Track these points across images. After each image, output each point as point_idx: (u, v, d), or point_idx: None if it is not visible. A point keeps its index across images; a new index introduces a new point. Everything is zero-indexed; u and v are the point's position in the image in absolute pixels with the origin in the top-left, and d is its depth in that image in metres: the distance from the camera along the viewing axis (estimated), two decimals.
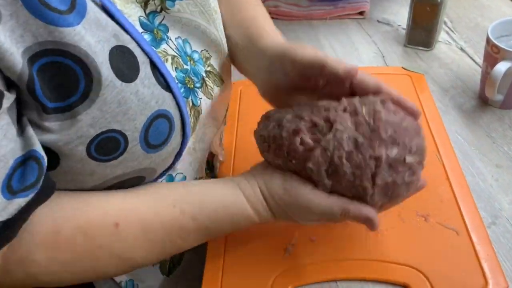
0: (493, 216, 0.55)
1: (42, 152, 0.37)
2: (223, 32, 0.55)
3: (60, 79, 0.36)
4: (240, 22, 0.56)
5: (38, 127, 0.38)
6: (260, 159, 0.51)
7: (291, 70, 0.46)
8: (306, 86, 0.46)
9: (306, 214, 0.45)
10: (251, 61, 0.54)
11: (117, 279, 0.52)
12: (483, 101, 0.71)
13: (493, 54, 0.65)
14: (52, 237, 0.40)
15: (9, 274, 0.40)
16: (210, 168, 0.66)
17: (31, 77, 0.35)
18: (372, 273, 0.49)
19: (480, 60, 0.77)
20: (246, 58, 0.55)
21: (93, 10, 0.38)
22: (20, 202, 0.36)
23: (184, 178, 0.55)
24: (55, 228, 0.40)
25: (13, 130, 0.36)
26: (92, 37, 0.37)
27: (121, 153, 0.41)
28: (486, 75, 0.67)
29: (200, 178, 0.59)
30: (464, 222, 0.53)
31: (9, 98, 0.35)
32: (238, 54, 0.56)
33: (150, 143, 0.43)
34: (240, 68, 0.58)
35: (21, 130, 0.37)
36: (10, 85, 0.35)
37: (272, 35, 0.53)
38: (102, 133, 0.39)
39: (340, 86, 0.45)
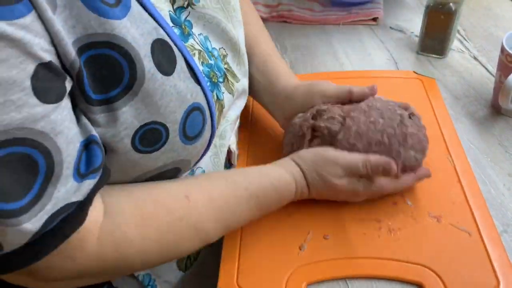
0: (504, 225, 0.55)
1: (98, 138, 0.39)
2: (241, 31, 0.56)
3: (105, 71, 0.37)
4: (256, 56, 0.65)
5: (87, 120, 0.39)
6: (272, 158, 0.54)
7: (317, 102, 0.58)
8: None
9: (333, 168, 0.52)
10: (268, 98, 0.64)
11: (135, 273, 0.52)
12: (496, 110, 0.71)
13: (507, 63, 0.65)
14: (138, 213, 0.42)
15: (101, 257, 0.40)
16: (227, 167, 0.67)
17: (80, 67, 0.36)
18: (386, 271, 0.50)
19: (493, 69, 0.77)
20: (263, 95, 0.65)
21: (135, 4, 0.39)
22: (90, 183, 0.38)
23: (203, 172, 0.56)
24: (138, 205, 0.43)
25: (73, 116, 0.37)
26: (136, 30, 0.38)
27: (163, 145, 0.43)
28: (500, 84, 0.67)
29: None
30: (476, 224, 0.53)
31: (70, 82, 0.36)
32: (255, 88, 0.65)
33: (188, 135, 0.44)
34: (255, 97, 0.66)
35: (77, 118, 0.38)
36: (67, 72, 0.36)
37: (287, 74, 0.64)
38: (145, 124, 0.41)
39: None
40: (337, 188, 0.52)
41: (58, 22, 0.34)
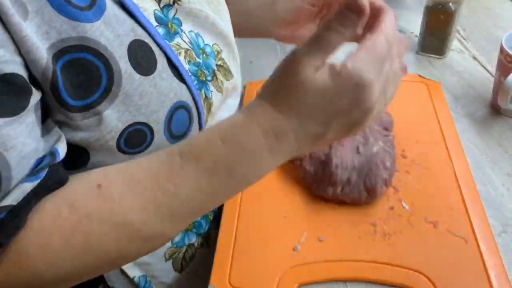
0: (503, 225, 0.55)
1: (61, 150, 0.38)
2: (230, 23, 0.57)
3: (83, 76, 0.37)
4: None
5: (68, 126, 0.38)
6: None
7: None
8: (311, 14, 0.54)
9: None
10: (259, 11, 0.60)
11: (130, 274, 0.52)
12: (495, 110, 0.71)
13: (506, 63, 0.65)
14: (37, 219, 0.36)
15: (10, 278, 0.36)
16: None
17: (54, 74, 0.36)
18: (379, 275, 0.50)
19: (492, 69, 0.77)
20: (255, 10, 0.60)
21: (111, 5, 0.39)
22: (25, 187, 0.34)
23: None
24: (40, 208, 0.36)
25: (37, 130, 0.36)
26: (111, 32, 0.38)
27: (148, 145, 0.42)
28: (499, 84, 0.67)
29: None
30: (473, 231, 0.53)
31: (35, 96, 0.36)
32: (252, 14, 0.62)
33: (173, 134, 0.44)
34: (253, 28, 0.63)
35: (45, 131, 0.37)
36: (36, 84, 0.36)
37: None
38: (129, 126, 0.40)
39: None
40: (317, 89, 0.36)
41: (30, 28, 0.34)
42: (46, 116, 0.38)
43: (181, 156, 0.37)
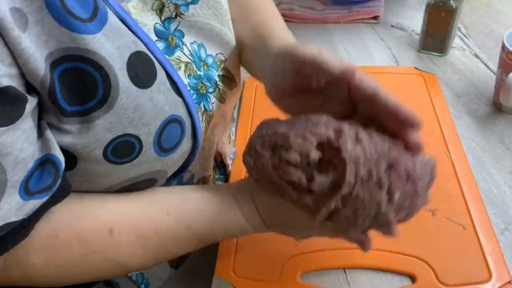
0: (506, 222, 0.55)
1: (60, 156, 0.38)
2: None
3: (80, 84, 0.37)
4: (252, 25, 0.55)
5: (57, 129, 0.38)
6: None
7: (289, 68, 0.43)
8: (308, 87, 0.43)
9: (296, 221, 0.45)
10: (258, 62, 0.52)
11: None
12: (497, 108, 0.71)
13: (508, 61, 0.65)
14: (50, 241, 0.41)
15: (7, 273, 0.40)
16: (220, 168, 0.66)
17: (52, 81, 0.36)
18: (380, 263, 0.51)
19: (494, 66, 0.77)
20: (253, 59, 0.54)
21: (113, 18, 0.38)
22: (35, 203, 0.37)
23: (192, 175, 0.56)
24: (53, 232, 0.41)
25: (34, 133, 0.36)
26: (111, 45, 0.37)
27: (136, 156, 0.42)
28: (501, 82, 0.67)
29: (208, 176, 0.60)
30: (471, 217, 0.54)
31: (31, 102, 0.36)
32: (246, 55, 0.55)
33: (163, 147, 0.43)
34: (248, 68, 0.57)
35: (40, 133, 0.38)
36: (32, 89, 0.36)
37: (282, 35, 0.51)
38: (118, 137, 0.40)
39: (340, 87, 0.42)
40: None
41: (29, 39, 0.34)
42: (39, 118, 0.38)
43: (187, 229, 0.45)
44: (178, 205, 0.46)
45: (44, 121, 0.38)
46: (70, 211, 0.42)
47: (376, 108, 0.40)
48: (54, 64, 0.36)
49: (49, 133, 0.38)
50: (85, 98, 0.37)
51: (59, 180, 0.38)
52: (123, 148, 0.41)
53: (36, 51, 0.34)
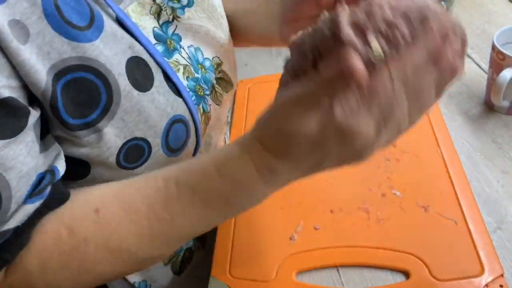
0: (498, 222, 0.56)
1: (60, 167, 0.38)
2: (230, 37, 0.56)
3: (83, 95, 0.37)
4: None
5: (69, 142, 0.39)
6: None
7: None
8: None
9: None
10: (265, 11, 0.53)
11: (131, 280, 0.53)
12: (489, 107, 0.71)
13: (498, 60, 0.66)
14: (39, 238, 0.38)
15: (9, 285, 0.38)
16: None
17: (54, 94, 0.36)
18: (374, 260, 0.52)
19: (486, 66, 0.78)
20: (257, 12, 0.55)
21: (109, 24, 0.39)
22: (28, 208, 0.36)
23: None
24: (42, 227, 0.38)
25: (36, 147, 0.37)
26: (109, 50, 0.38)
27: (146, 159, 0.43)
28: (492, 82, 0.67)
29: None
30: (463, 213, 0.55)
31: (34, 115, 0.36)
32: (247, 20, 0.57)
33: (171, 148, 0.44)
34: (250, 34, 0.58)
35: (44, 147, 0.38)
36: (35, 102, 0.36)
37: None
38: (127, 141, 0.41)
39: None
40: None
41: (30, 50, 0.34)
42: (47, 132, 0.39)
43: (177, 186, 0.38)
44: (167, 168, 0.40)
45: (51, 135, 0.38)
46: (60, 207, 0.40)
47: None
48: (57, 76, 0.36)
49: (55, 148, 0.38)
50: (89, 107, 0.38)
51: (51, 185, 0.38)
52: (133, 152, 0.42)
53: (38, 62, 0.35)
